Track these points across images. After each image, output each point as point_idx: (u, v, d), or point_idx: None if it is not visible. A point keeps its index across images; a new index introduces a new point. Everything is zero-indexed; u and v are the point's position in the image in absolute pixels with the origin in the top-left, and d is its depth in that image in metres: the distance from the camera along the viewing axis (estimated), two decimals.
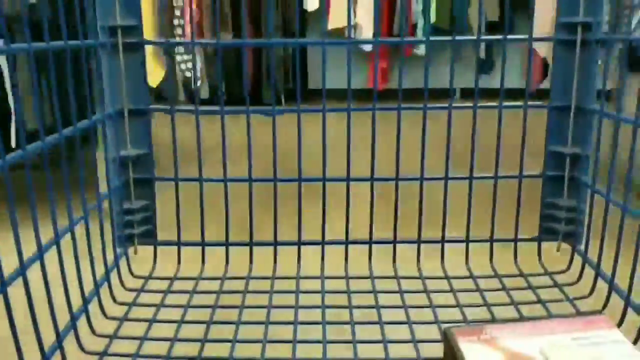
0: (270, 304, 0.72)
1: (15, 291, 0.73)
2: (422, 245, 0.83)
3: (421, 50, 3.31)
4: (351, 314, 0.70)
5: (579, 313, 0.69)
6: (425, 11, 3.07)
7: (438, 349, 0.66)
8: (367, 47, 3.35)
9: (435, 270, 0.81)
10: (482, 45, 3.32)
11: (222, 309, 0.72)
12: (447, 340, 0.53)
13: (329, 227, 0.83)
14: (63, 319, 0.63)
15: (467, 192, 0.80)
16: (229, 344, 0.64)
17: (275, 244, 0.83)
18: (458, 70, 3.58)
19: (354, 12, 3.26)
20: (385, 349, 0.63)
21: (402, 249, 0.83)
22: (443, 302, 0.73)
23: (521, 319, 0.69)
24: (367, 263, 0.82)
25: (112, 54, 0.78)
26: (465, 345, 0.51)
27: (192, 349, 0.65)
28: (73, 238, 0.63)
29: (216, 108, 0.80)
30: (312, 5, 3.23)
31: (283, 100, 3.33)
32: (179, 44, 0.79)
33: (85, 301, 0.66)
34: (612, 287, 0.70)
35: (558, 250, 0.82)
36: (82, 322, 0.65)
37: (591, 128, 0.79)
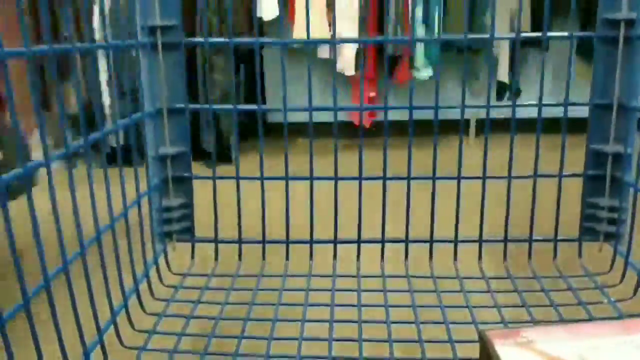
0: (306, 301, 0.73)
1: (56, 285, 0.75)
2: (458, 245, 0.82)
3: (422, 73, 2.29)
4: (387, 312, 0.70)
5: (620, 316, 0.68)
6: (429, 18, 2.24)
7: (475, 350, 0.65)
8: (349, 71, 2.26)
9: (472, 271, 0.80)
10: (505, 67, 2.43)
11: (258, 306, 0.73)
12: (483, 343, 0.53)
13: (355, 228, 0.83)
14: (104, 313, 0.64)
15: (504, 192, 0.79)
16: (265, 341, 0.65)
17: (312, 242, 0.83)
18: (471, 97, 2.55)
19: (328, 21, 2.21)
20: (422, 348, 0.63)
21: (435, 248, 0.83)
22: (480, 303, 0.72)
23: (561, 321, 0.68)
24: (400, 262, 0.82)
25: (151, 54, 0.79)
26: (501, 348, 0.51)
27: (228, 346, 0.66)
28: (113, 234, 0.65)
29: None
30: (268, 12, 2.17)
31: (232, 152, 2.14)
32: (216, 42, 0.80)
33: (125, 297, 0.67)
34: None
35: (600, 250, 0.81)
36: (121, 318, 0.66)
37: (634, 126, 0.77)
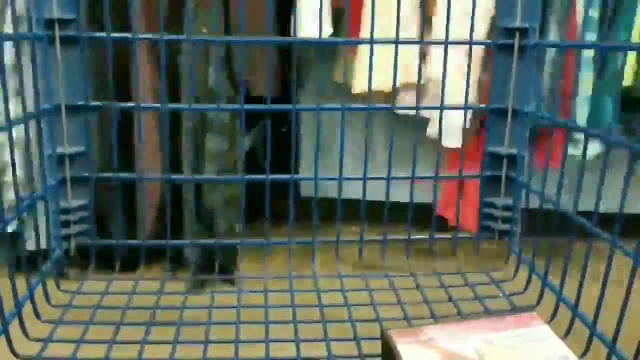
0: (211, 304, 0.72)
1: None
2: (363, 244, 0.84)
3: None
4: (294, 313, 0.70)
5: (514, 309, 0.72)
6: None
7: (379, 347, 0.66)
8: (452, 141, 1.43)
9: (376, 269, 0.82)
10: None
11: (162, 310, 0.71)
12: (385, 342, 0.54)
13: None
14: None
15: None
16: (169, 346, 0.63)
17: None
18: None
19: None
20: (328, 347, 0.64)
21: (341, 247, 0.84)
22: (385, 301, 0.74)
23: (459, 315, 0.71)
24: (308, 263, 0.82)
25: (48, 48, 0.75)
26: (404, 346, 0.52)
27: (130, 352, 0.64)
28: (4, 238, 0.61)
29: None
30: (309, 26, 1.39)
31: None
32: (118, 38, 0.77)
33: (19, 304, 0.64)
34: (545, 283, 0.73)
35: (495, 247, 0.85)
36: (14, 327, 0.62)
37: (526, 129, 0.82)
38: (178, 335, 0.66)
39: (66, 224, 0.79)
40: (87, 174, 0.79)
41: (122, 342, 0.65)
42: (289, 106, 0.79)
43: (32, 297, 0.67)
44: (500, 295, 0.75)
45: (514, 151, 0.82)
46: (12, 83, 0.80)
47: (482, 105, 0.86)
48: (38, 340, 0.63)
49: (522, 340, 0.54)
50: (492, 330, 0.55)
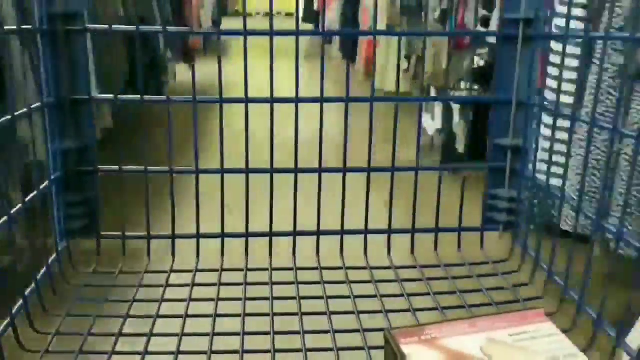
0: (217, 296, 0.72)
1: None
2: (368, 236, 0.84)
3: None
4: (299, 305, 0.70)
5: (518, 300, 0.72)
6: None
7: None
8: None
9: (381, 261, 0.82)
10: None
11: (167, 303, 0.72)
12: (388, 343, 0.54)
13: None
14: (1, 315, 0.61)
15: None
16: (176, 338, 0.64)
17: (223, 235, 0.82)
18: None
19: None
20: (333, 338, 0.64)
21: (345, 239, 0.84)
22: (390, 292, 0.74)
23: (465, 307, 0.71)
24: (312, 254, 0.83)
25: (52, 41, 0.75)
26: (407, 347, 0.52)
27: (139, 344, 0.64)
28: (12, 232, 0.61)
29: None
30: None
31: None
32: (121, 29, 0.77)
33: (25, 297, 0.64)
34: (550, 275, 0.73)
35: (500, 239, 0.85)
36: (21, 320, 0.62)
37: (531, 121, 0.81)
38: (183, 328, 0.66)
39: (71, 217, 0.80)
40: (91, 168, 0.79)
41: (128, 335, 0.65)
42: None
43: (38, 290, 0.67)
44: (505, 286, 0.75)
45: (518, 143, 0.82)
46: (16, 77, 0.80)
47: (487, 96, 0.85)
48: (45, 333, 0.64)
49: (527, 337, 0.53)
50: (496, 328, 0.54)
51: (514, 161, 0.83)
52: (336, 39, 4.06)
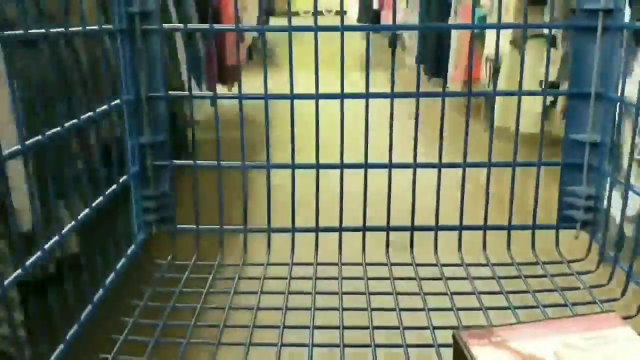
0: (287, 290, 0.73)
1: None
2: (439, 233, 0.83)
3: None
4: (368, 300, 0.70)
5: (594, 301, 0.69)
6: None
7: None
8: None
9: (452, 258, 0.81)
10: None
11: (240, 295, 0.73)
12: (457, 344, 0.53)
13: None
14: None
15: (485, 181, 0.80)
16: (247, 329, 0.65)
17: (293, 230, 0.83)
18: None
19: None
20: (402, 335, 0.64)
21: (417, 236, 0.83)
22: (460, 289, 0.73)
23: (537, 307, 0.69)
24: (382, 251, 0.82)
25: (130, 40, 0.78)
26: (477, 349, 0.51)
27: (210, 334, 0.66)
28: (92, 223, 0.64)
29: (235, 94, 0.80)
30: None
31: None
32: (195, 29, 0.80)
33: (106, 287, 0.67)
34: (630, 275, 0.70)
35: (576, 238, 0.82)
36: (102, 308, 0.65)
37: (611, 116, 0.78)
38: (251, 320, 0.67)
39: (148, 210, 0.83)
40: (167, 162, 0.82)
41: (201, 325, 0.67)
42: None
43: (118, 280, 0.70)
44: (581, 287, 0.73)
45: (596, 138, 0.79)
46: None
47: (563, 90, 0.83)
48: (125, 321, 0.66)
49: (603, 342, 0.51)
50: (570, 332, 0.53)
51: (591, 157, 0.80)
52: (413, 47, 3.39)
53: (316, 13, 0.78)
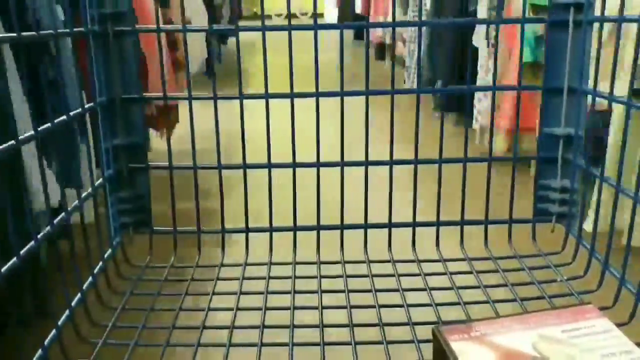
0: (266, 289, 0.73)
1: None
2: (417, 229, 0.84)
3: None
4: (347, 297, 0.71)
5: (572, 293, 0.70)
6: None
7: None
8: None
9: (430, 253, 0.81)
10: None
11: (217, 296, 0.73)
12: (437, 340, 0.53)
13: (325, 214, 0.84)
14: (60, 308, 0.63)
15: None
16: (226, 330, 0.65)
17: (271, 229, 0.83)
18: None
19: None
20: (382, 331, 0.64)
21: (396, 232, 0.84)
22: (439, 285, 0.74)
23: (516, 300, 0.69)
24: (362, 247, 0.83)
25: (103, 42, 0.77)
26: (456, 344, 0.51)
27: (191, 336, 0.65)
28: (68, 227, 0.63)
29: (210, 95, 0.80)
30: None
31: None
32: (173, 30, 0.79)
33: (83, 291, 0.66)
34: (605, 267, 0.71)
35: (552, 231, 0.83)
36: (79, 312, 0.65)
37: (583, 109, 0.79)
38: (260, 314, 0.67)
39: (124, 213, 0.82)
40: (142, 165, 0.81)
41: (181, 327, 0.67)
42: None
43: (95, 284, 0.69)
44: (558, 279, 0.74)
45: (570, 131, 0.80)
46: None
47: (536, 84, 0.83)
48: (102, 325, 0.66)
49: (581, 334, 0.52)
50: (547, 325, 0.53)
51: (565, 150, 0.81)
52: (414, 65, 2.82)
53: (289, 12, 0.78)
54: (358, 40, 4.34)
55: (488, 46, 1.87)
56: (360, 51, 3.53)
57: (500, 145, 1.78)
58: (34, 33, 0.59)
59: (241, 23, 0.79)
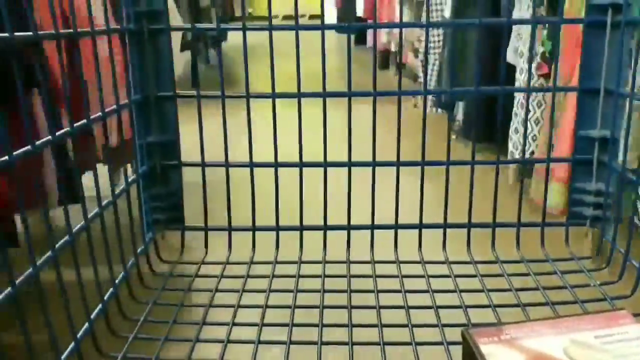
0: (295, 288, 0.73)
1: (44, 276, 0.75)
2: (448, 231, 0.83)
3: None
4: (377, 298, 0.70)
5: (605, 299, 0.69)
6: None
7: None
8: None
9: (461, 256, 0.80)
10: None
11: (248, 293, 0.73)
12: (466, 342, 0.52)
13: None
14: (93, 302, 0.64)
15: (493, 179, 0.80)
16: (256, 328, 0.65)
17: (302, 228, 0.83)
18: None
19: None
20: (411, 332, 0.63)
21: (425, 234, 0.83)
22: (469, 287, 0.73)
23: (547, 304, 0.68)
24: (389, 248, 0.82)
25: (138, 40, 0.78)
26: (486, 347, 0.51)
27: (220, 332, 0.66)
28: (102, 223, 0.64)
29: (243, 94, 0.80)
30: None
31: None
32: (207, 29, 0.80)
33: (115, 285, 0.67)
34: None
35: (586, 235, 0.81)
36: (111, 306, 0.66)
37: (620, 111, 0.78)
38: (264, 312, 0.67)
39: (157, 210, 0.83)
40: (176, 162, 0.82)
41: (211, 324, 0.68)
42: None
43: (127, 279, 0.70)
44: (591, 284, 0.72)
45: (606, 133, 0.79)
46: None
47: (573, 86, 0.82)
48: (134, 320, 0.67)
49: (613, 340, 0.51)
50: (579, 330, 0.52)
51: (601, 153, 0.79)
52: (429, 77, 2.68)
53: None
54: (359, 45, 4.03)
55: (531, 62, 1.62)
56: (361, 57, 3.33)
57: (556, 199, 1.27)
58: (71, 31, 0.60)
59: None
